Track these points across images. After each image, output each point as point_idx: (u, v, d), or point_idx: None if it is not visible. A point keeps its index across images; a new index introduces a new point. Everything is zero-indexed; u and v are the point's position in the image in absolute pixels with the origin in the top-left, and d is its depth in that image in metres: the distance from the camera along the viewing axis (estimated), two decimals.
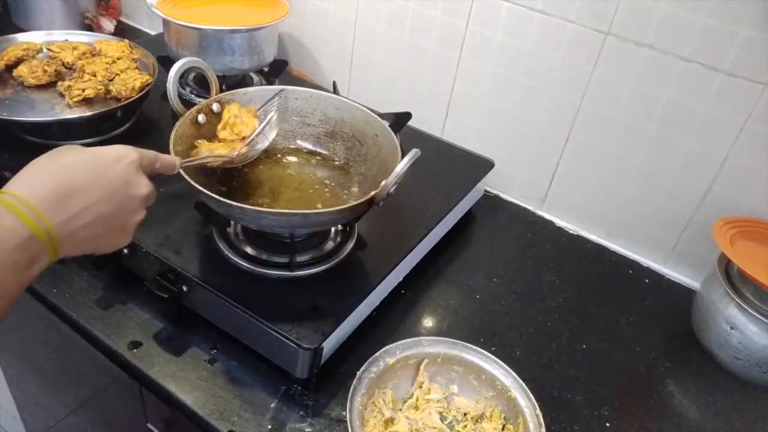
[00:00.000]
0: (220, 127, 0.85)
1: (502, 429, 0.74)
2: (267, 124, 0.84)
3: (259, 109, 0.88)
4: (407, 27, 1.13)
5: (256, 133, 0.83)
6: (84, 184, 0.51)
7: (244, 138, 0.83)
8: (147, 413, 0.93)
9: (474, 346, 0.77)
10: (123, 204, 0.55)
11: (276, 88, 0.91)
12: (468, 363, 0.77)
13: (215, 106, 0.87)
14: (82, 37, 1.14)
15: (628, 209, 1.04)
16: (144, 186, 0.58)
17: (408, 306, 0.90)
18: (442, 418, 0.74)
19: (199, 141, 0.83)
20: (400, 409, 0.75)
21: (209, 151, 0.81)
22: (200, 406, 0.73)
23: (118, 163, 0.54)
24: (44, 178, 0.49)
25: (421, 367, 0.77)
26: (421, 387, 0.76)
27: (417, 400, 0.76)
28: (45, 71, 1.02)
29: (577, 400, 0.81)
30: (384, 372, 0.74)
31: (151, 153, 0.61)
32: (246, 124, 0.84)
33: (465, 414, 0.75)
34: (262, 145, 0.85)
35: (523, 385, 0.74)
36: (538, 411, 0.72)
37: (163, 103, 1.11)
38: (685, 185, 0.97)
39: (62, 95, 1.00)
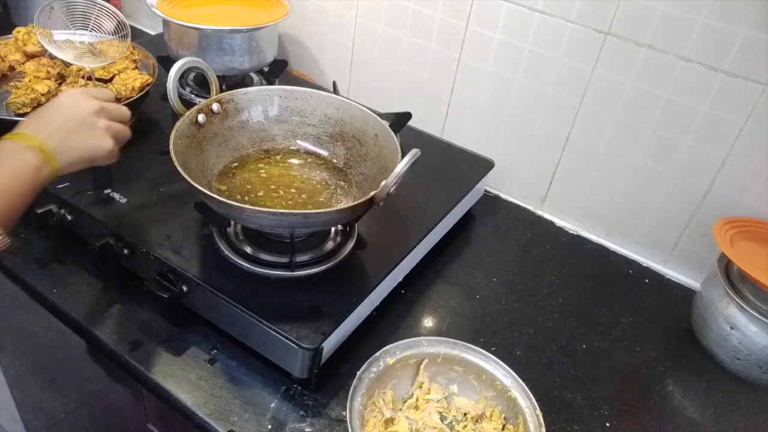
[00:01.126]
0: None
1: (502, 429, 0.74)
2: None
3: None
4: (407, 27, 1.13)
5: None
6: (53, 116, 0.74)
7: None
8: (147, 413, 0.93)
9: (474, 346, 0.77)
10: (80, 119, 0.74)
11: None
12: (468, 363, 0.77)
13: (215, 106, 0.87)
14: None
15: (628, 209, 1.04)
16: (88, 104, 0.76)
17: (408, 306, 0.90)
18: (442, 418, 0.74)
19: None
20: (400, 409, 0.75)
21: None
22: (200, 406, 0.73)
23: (66, 96, 0.76)
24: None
25: (421, 367, 0.77)
26: (421, 387, 0.76)
27: (417, 400, 0.76)
28: (48, 72, 1.02)
29: (577, 400, 0.81)
30: (384, 372, 0.74)
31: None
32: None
33: (465, 414, 0.75)
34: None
35: (523, 385, 0.74)
36: (539, 411, 0.72)
37: (163, 103, 1.11)
38: (685, 185, 0.97)
39: None
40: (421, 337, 0.78)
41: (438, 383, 0.78)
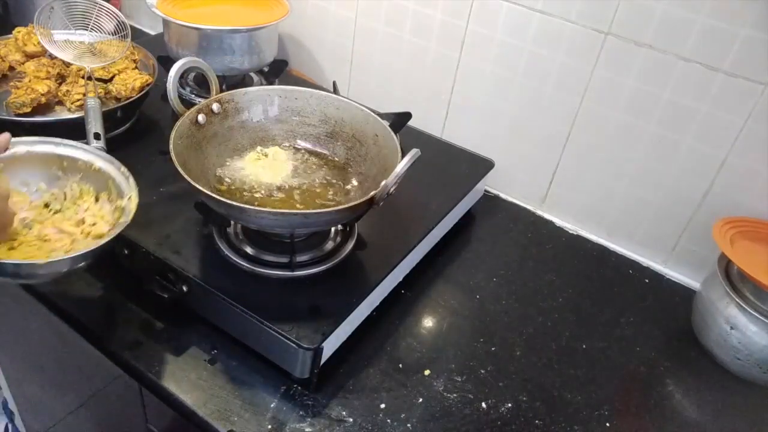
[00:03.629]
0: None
1: (96, 200, 0.77)
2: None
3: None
4: (407, 27, 1.13)
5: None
6: None
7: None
8: (147, 413, 0.93)
9: (42, 138, 0.77)
10: None
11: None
12: (44, 156, 0.77)
13: (215, 106, 0.87)
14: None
15: (628, 209, 1.04)
16: None
17: (408, 306, 0.90)
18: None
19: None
20: None
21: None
22: (200, 406, 0.73)
23: None
24: None
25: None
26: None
27: None
28: (48, 72, 1.02)
29: (577, 400, 0.81)
30: None
31: None
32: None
33: (46, 205, 0.76)
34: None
35: (104, 154, 0.75)
36: (123, 168, 0.75)
37: (163, 103, 1.11)
38: (685, 185, 0.97)
39: (60, 102, 0.99)
40: None
41: (25, 186, 0.78)
